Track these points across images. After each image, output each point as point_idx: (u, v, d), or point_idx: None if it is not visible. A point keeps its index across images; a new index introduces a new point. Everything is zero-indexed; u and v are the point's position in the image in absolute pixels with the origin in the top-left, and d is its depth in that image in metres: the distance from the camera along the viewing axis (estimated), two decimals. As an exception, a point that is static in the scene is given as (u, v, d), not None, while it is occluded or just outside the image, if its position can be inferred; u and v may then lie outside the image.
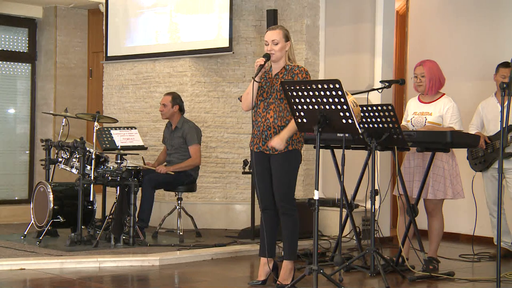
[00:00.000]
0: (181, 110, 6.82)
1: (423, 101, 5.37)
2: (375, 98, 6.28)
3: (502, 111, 4.19)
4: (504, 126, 4.24)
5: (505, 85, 4.13)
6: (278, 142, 4.32)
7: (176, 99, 6.77)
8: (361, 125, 4.76)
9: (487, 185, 5.91)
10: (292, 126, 4.34)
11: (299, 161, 4.49)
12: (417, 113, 5.34)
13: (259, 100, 4.48)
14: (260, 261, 4.62)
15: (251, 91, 4.43)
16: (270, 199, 4.50)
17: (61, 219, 6.09)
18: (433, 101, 5.31)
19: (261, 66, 4.36)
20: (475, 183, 5.87)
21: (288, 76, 4.45)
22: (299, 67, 4.49)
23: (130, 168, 6.14)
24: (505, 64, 5.77)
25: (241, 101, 4.60)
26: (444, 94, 5.33)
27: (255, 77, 4.39)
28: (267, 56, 4.41)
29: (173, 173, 6.51)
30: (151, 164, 6.73)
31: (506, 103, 4.11)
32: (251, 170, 6.30)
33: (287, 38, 4.48)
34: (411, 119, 5.35)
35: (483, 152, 5.83)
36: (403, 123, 5.43)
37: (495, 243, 5.94)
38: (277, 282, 4.48)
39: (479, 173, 5.95)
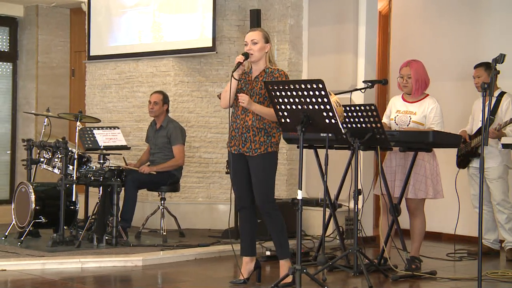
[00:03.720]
0: (167, 110, 6.83)
1: (408, 100, 5.38)
2: (358, 98, 6.30)
3: (483, 110, 4.23)
4: (485, 125, 4.27)
5: (486, 85, 4.16)
6: (248, 102, 4.36)
7: (166, 98, 6.80)
8: (344, 125, 4.78)
9: (470, 183, 6.02)
10: (265, 108, 4.38)
11: (276, 162, 4.56)
12: (401, 112, 5.36)
13: (239, 102, 4.49)
14: (243, 260, 4.64)
15: (229, 89, 4.44)
16: (246, 198, 4.55)
17: (43, 219, 6.04)
18: (417, 101, 5.33)
19: (239, 64, 4.40)
20: (457, 181, 5.91)
21: (268, 79, 4.46)
22: (279, 70, 4.52)
23: (113, 168, 6.11)
24: (477, 65, 5.91)
25: (220, 98, 4.62)
26: (428, 94, 5.36)
27: (233, 72, 4.41)
28: (246, 55, 4.45)
29: (155, 173, 6.49)
30: (133, 164, 6.70)
31: (487, 103, 4.14)
32: (228, 170, 6.34)
33: (266, 39, 4.51)
34: (395, 117, 5.37)
35: (463, 150, 5.95)
36: (385, 120, 5.44)
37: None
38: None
39: (463, 171, 6.03)
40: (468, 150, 5.91)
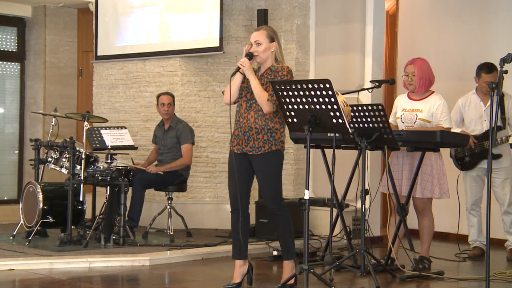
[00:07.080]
0: (172, 110, 6.88)
1: (413, 98, 5.38)
2: (365, 97, 6.30)
3: (491, 111, 4.21)
4: (493, 126, 4.25)
5: (494, 85, 4.14)
6: (249, 67, 4.30)
7: (174, 98, 6.82)
8: (352, 125, 4.78)
9: (471, 185, 5.93)
10: (260, 86, 4.30)
11: (281, 161, 4.44)
12: (407, 110, 5.35)
13: (243, 100, 4.45)
14: (235, 263, 4.56)
15: (232, 85, 4.37)
16: (242, 200, 4.41)
17: (51, 219, 6.06)
18: (423, 98, 5.33)
19: (238, 69, 4.33)
20: (454, 182, 5.88)
21: (272, 76, 4.39)
22: (283, 66, 4.42)
23: (120, 168, 6.12)
24: (487, 70, 5.79)
25: (224, 94, 4.55)
26: (434, 91, 5.35)
27: (231, 77, 4.36)
28: (249, 55, 4.37)
29: (162, 172, 6.50)
30: (140, 164, 6.72)
31: (495, 103, 4.13)
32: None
33: (272, 38, 4.42)
34: (401, 116, 5.37)
35: (470, 151, 5.84)
36: (391, 119, 5.43)
37: (469, 242, 6.01)
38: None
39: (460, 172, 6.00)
40: (479, 152, 5.80)
